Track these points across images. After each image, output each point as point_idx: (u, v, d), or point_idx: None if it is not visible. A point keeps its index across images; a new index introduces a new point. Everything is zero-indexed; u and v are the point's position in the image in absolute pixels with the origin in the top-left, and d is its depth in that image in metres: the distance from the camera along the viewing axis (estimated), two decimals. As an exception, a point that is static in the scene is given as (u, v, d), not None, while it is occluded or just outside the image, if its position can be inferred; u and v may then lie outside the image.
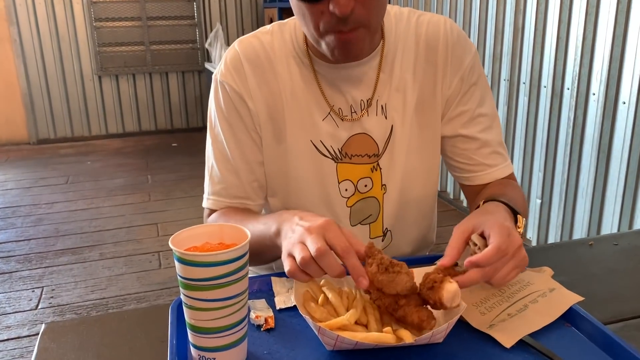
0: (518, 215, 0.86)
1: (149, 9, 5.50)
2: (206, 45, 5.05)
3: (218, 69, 1.00)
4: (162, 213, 3.68)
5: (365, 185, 1.00)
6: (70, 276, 2.84)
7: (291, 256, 0.73)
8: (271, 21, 5.35)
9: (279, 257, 0.78)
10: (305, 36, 0.96)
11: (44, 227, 3.48)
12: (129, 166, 4.77)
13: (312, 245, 0.70)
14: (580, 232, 2.53)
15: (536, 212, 2.81)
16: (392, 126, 0.98)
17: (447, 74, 0.98)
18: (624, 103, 2.23)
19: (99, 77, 5.54)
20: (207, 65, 4.98)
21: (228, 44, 5.51)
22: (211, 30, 5.57)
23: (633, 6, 2.15)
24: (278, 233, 0.81)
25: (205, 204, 1.03)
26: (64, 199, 3.98)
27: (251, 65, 0.97)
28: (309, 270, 0.71)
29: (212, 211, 1.02)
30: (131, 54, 5.57)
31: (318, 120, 0.97)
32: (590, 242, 1.00)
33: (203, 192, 1.05)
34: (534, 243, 2.86)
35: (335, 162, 0.99)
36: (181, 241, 0.69)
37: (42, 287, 2.74)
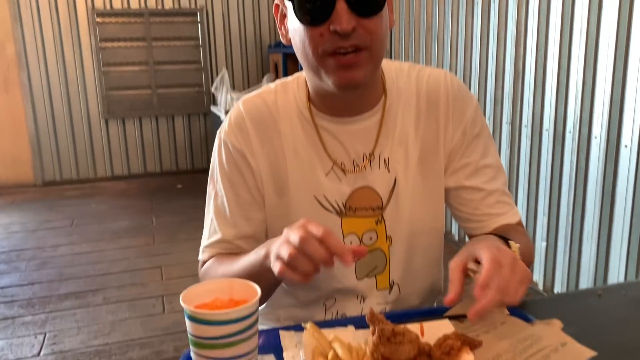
0: (509, 241, 0.88)
1: (156, 54, 5.63)
2: (212, 90, 5.14)
3: (222, 127, 1.03)
4: (167, 256, 3.67)
5: (370, 238, 1.01)
6: (73, 321, 2.82)
7: (279, 257, 0.77)
8: (275, 66, 5.46)
9: (273, 283, 0.83)
10: (308, 92, 0.99)
11: (48, 270, 3.47)
12: (134, 208, 4.79)
13: (295, 237, 0.74)
14: (587, 275, 2.52)
15: (542, 255, 2.80)
16: (395, 179, 0.99)
17: (449, 127, 1.00)
18: (626, 146, 2.25)
19: (106, 120, 5.63)
20: (213, 109, 5.06)
21: (234, 88, 5.62)
22: (217, 74, 5.68)
23: (631, 52, 2.19)
24: (267, 255, 0.84)
25: (201, 256, 1.05)
26: (69, 242, 3.98)
27: (254, 124, 0.99)
28: (297, 264, 0.74)
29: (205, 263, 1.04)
30: (138, 97, 5.68)
31: (321, 175, 0.99)
32: (599, 291, 1.00)
33: (198, 256, 1.07)
34: (540, 286, 2.84)
35: (339, 216, 1.00)
36: (191, 298, 0.70)
37: (45, 332, 2.71)
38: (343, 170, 0.98)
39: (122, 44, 5.52)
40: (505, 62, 3.00)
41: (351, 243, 1.00)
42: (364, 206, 0.99)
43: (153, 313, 2.89)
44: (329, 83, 0.89)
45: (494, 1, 3.02)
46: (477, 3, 3.17)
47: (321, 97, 0.98)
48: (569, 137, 2.57)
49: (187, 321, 0.67)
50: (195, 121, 5.90)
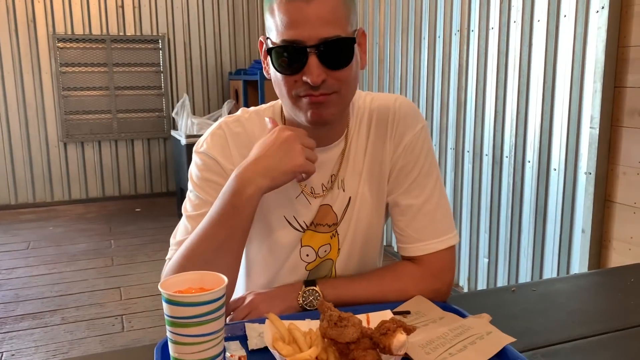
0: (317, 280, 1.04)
1: (117, 79, 5.70)
2: (173, 114, 5.23)
3: (203, 140, 1.08)
4: (126, 277, 3.71)
5: (325, 251, 1.12)
6: (31, 341, 2.83)
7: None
8: (236, 93, 5.61)
9: (240, 227, 0.95)
10: (284, 120, 1.09)
11: (4, 292, 3.45)
12: (92, 231, 4.79)
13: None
14: (524, 288, 2.73)
15: (484, 270, 3.01)
16: (349, 198, 1.10)
17: (391, 147, 1.09)
18: (555, 169, 2.50)
19: (65, 144, 5.63)
20: (173, 133, 5.15)
21: (194, 113, 5.72)
22: (178, 100, 5.79)
23: (557, 85, 2.46)
24: (238, 191, 0.94)
25: (169, 254, 1.05)
26: (25, 264, 3.96)
27: (235, 143, 1.06)
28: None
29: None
30: (98, 121, 5.71)
31: (292, 197, 1.08)
32: (513, 288, 1.18)
33: (166, 256, 1.07)
34: (484, 300, 3.03)
35: (302, 232, 1.10)
36: (168, 286, 0.80)
37: (2, 352, 2.72)
38: (312, 194, 1.09)
39: (82, 68, 5.57)
40: (450, 94, 3.25)
41: (307, 255, 1.11)
42: (323, 223, 1.10)
43: (112, 332, 2.93)
44: (302, 119, 0.99)
45: (439, 38, 3.29)
46: (424, 39, 3.43)
47: (295, 127, 1.03)
48: (506, 161, 2.82)
49: (164, 304, 0.79)
50: (155, 145, 5.96)
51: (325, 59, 0.93)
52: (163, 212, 5.32)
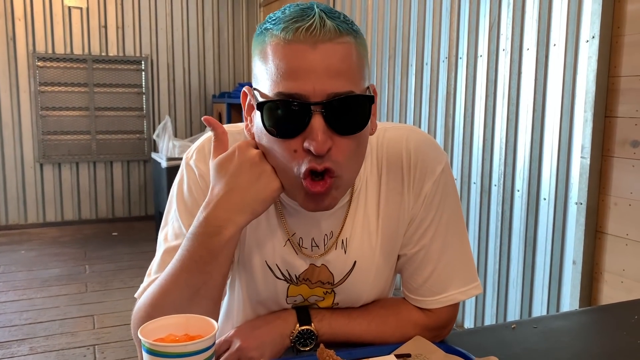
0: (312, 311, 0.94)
1: (98, 99, 5.59)
2: (154, 137, 5.14)
3: (190, 154, 0.93)
4: (99, 304, 3.55)
5: (316, 300, 0.97)
6: (-5, 373, 2.67)
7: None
8: (220, 116, 5.55)
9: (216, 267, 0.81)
10: None
11: (-31, 320, 3.28)
12: (66, 256, 4.61)
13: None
14: (512, 319, 2.65)
15: (472, 301, 2.94)
16: (355, 262, 0.93)
17: (410, 198, 0.92)
18: (545, 199, 2.46)
19: (41, 165, 5.47)
20: (154, 155, 5.04)
21: (176, 135, 5.63)
22: (159, 121, 5.69)
23: (547, 113, 2.43)
24: (209, 223, 0.79)
25: (139, 292, 0.91)
26: (-7, 290, 3.79)
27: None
28: None
29: None
30: (76, 142, 5.57)
31: (277, 244, 0.92)
32: (514, 325, 1.11)
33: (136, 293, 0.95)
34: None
35: (288, 283, 0.94)
36: (148, 333, 0.69)
37: (-37, 385, 2.55)
38: (300, 246, 0.92)
39: (62, 88, 5.46)
40: (437, 121, 3.22)
41: (295, 301, 0.96)
42: (316, 280, 0.94)
43: (83, 363, 2.78)
44: (296, 200, 0.83)
45: (427, 65, 3.27)
46: (412, 66, 3.41)
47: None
48: (494, 190, 2.77)
49: (144, 355, 0.67)
50: (134, 168, 5.83)
51: (333, 120, 0.75)
52: (141, 237, 5.17)
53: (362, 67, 0.79)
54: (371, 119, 0.81)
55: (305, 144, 0.75)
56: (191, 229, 0.81)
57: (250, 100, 0.84)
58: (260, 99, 0.78)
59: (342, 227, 0.92)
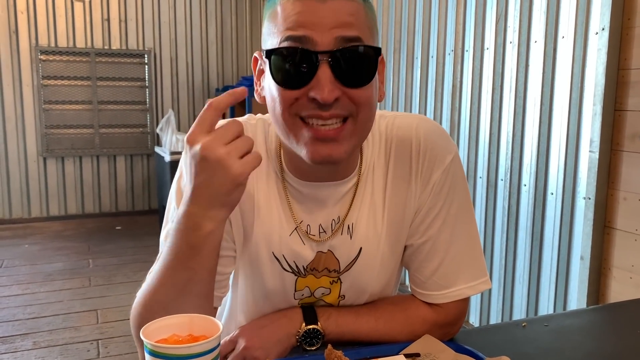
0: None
1: (101, 93, 5.57)
2: (157, 130, 5.12)
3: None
4: (103, 299, 3.55)
5: (322, 293, 0.96)
6: (-2, 368, 2.66)
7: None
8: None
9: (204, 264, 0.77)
10: (281, 145, 0.89)
11: (-27, 314, 3.28)
12: (69, 250, 4.61)
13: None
14: (519, 314, 2.63)
15: (478, 297, 2.91)
16: (360, 248, 0.92)
17: (418, 187, 0.91)
18: (552, 194, 2.43)
19: (44, 159, 5.46)
20: (157, 149, 5.02)
21: (179, 129, 5.61)
22: (162, 115, 5.67)
23: (555, 107, 2.40)
24: (196, 226, 0.75)
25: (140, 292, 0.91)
26: (-3, 284, 3.78)
27: None
28: None
29: None
30: (79, 136, 5.56)
31: (284, 234, 0.90)
32: (524, 323, 1.08)
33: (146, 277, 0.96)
34: (476, 325, 2.93)
35: (296, 276, 0.93)
36: (150, 333, 0.67)
37: (-34, 380, 2.55)
38: (307, 234, 0.90)
39: (65, 82, 5.44)
40: (442, 115, 3.18)
41: (302, 295, 0.95)
42: (322, 268, 0.93)
43: (87, 357, 2.77)
44: (301, 154, 0.80)
45: (432, 57, 3.23)
46: (417, 59, 3.37)
47: (290, 158, 0.88)
48: (500, 184, 2.74)
49: (147, 356, 0.65)
50: (137, 162, 5.82)
51: (340, 70, 0.74)
52: (144, 231, 5.16)
53: (371, 26, 0.78)
54: (378, 83, 0.81)
55: (311, 94, 0.74)
56: (173, 225, 0.78)
57: (260, 65, 0.85)
58: (268, 49, 0.77)
59: (348, 212, 0.90)
